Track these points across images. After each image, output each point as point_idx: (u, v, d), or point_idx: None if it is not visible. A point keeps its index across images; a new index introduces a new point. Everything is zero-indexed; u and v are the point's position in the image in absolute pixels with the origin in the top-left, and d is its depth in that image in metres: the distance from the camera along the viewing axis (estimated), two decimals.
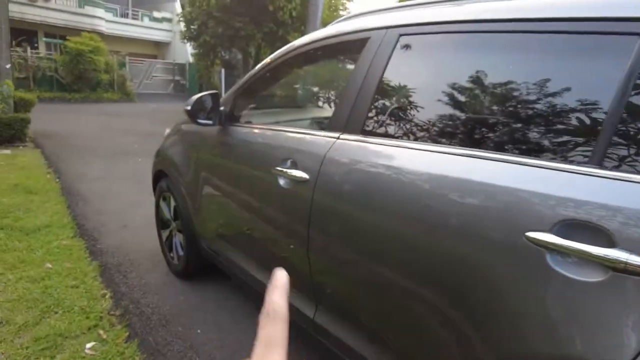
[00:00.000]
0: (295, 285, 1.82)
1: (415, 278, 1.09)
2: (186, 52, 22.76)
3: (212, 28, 9.86)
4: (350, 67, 1.48)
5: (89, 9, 20.34)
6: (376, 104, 1.31)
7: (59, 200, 4.31)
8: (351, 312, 1.34)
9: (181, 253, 2.55)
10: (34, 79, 15.93)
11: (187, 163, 2.25)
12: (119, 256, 3.06)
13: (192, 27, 10.70)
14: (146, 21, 23.75)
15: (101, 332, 2.23)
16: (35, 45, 19.01)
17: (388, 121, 1.30)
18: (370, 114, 1.31)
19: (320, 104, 1.71)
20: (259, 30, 9.84)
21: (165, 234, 2.78)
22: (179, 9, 23.43)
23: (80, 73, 16.26)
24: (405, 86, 1.29)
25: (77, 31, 17.72)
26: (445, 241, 1.00)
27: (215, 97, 1.96)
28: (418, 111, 1.23)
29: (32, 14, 18.26)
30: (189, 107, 1.91)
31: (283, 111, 1.99)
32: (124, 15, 23.47)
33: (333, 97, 1.60)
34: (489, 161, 0.97)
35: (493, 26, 1.08)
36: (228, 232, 2.03)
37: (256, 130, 1.82)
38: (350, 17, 1.62)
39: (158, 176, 2.75)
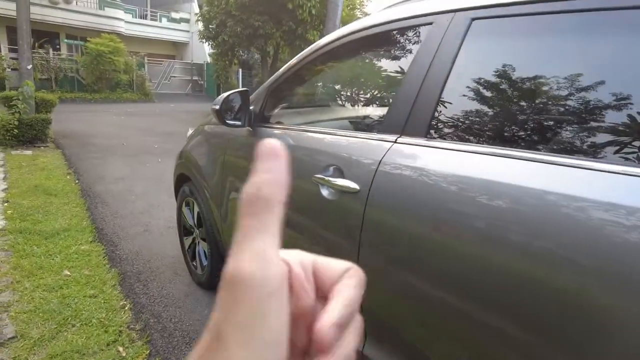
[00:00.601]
0: None
1: (501, 311, 0.88)
2: (204, 52, 22.80)
3: (230, 27, 9.74)
4: (406, 59, 1.27)
5: (109, 11, 20.53)
6: (445, 101, 1.10)
7: (78, 202, 4.21)
8: (412, 347, 1.13)
9: (205, 263, 2.37)
10: (56, 80, 16.12)
11: (213, 167, 2.08)
12: (139, 263, 2.92)
13: (210, 26, 10.61)
14: (164, 22, 23.89)
15: (120, 349, 2.08)
16: (57, 47, 19.29)
17: (461, 122, 1.08)
18: (437, 114, 1.10)
19: (366, 102, 1.50)
20: (277, 29, 9.67)
21: (187, 241, 2.61)
22: (196, 9, 23.51)
23: (100, 74, 16.38)
24: (483, 79, 1.07)
25: (97, 32, 17.89)
26: (546, 272, 0.79)
27: (245, 96, 1.78)
28: (500, 110, 1.02)
29: (54, 16, 18.51)
30: (217, 107, 1.73)
31: (322, 111, 1.78)
32: (143, 16, 23.66)
33: (384, 95, 1.40)
34: (615, 175, 0.75)
35: (603, 2, 0.86)
36: None
37: (291, 132, 1.63)
38: (401, 2, 1.41)
39: (180, 180, 2.59)
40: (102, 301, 2.50)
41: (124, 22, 21.25)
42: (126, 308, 2.42)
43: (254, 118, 1.80)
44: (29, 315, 2.34)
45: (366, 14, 16.82)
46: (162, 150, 7.20)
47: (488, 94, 1.05)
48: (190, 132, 2.71)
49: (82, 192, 4.58)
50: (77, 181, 5.02)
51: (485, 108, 1.05)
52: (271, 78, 1.82)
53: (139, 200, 4.34)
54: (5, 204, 4.01)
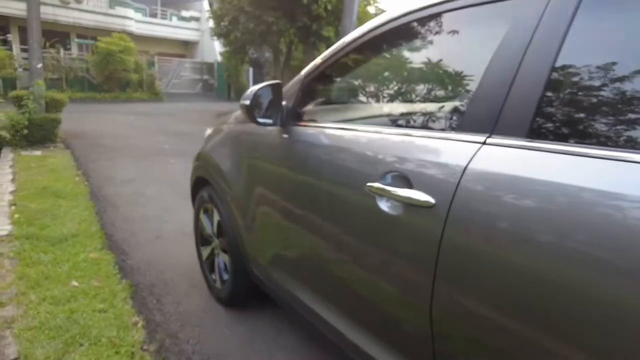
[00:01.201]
0: (403, 346, 1.23)
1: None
2: (214, 51, 22.66)
3: (243, 23, 9.52)
4: (489, 38, 1.01)
5: (119, 10, 20.48)
6: (554, 89, 0.85)
7: (87, 206, 4.01)
8: None
9: (226, 277, 2.14)
10: (66, 79, 16.08)
11: (237, 171, 1.84)
12: (152, 274, 2.69)
13: (222, 23, 10.41)
14: (174, 21, 23.80)
15: None
16: (68, 46, 19.27)
17: (579, 116, 0.83)
18: (543, 106, 0.84)
19: (429, 94, 1.24)
20: (292, 25, 9.43)
21: (205, 251, 2.38)
22: (207, 7, 23.38)
23: (110, 73, 16.31)
24: (609, 61, 0.81)
25: (107, 32, 17.82)
26: None
27: (277, 90, 1.54)
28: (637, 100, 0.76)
29: (65, 16, 18.49)
30: (247, 102, 1.49)
31: (367, 106, 1.52)
32: (153, 15, 23.59)
33: (456, 85, 1.14)
34: None
35: None
36: (293, 261, 1.59)
37: (332, 131, 1.38)
38: None
39: (198, 184, 2.36)
40: (113, 317, 2.28)
41: (134, 21, 21.19)
42: (139, 325, 2.20)
43: (286, 115, 1.56)
44: (34, 332, 2.12)
45: (381, 11, 16.51)
46: (174, 151, 7.00)
47: (619, 80, 0.79)
48: (208, 132, 2.48)
49: (92, 195, 4.38)
50: (86, 183, 4.83)
51: (614, 98, 0.79)
52: (306, 69, 1.57)
53: (150, 203, 4.13)
54: (13, 207, 3.82)
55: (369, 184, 1.11)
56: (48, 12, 16.14)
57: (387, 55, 1.41)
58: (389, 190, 1.05)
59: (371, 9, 17.65)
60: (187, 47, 25.56)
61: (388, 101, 1.32)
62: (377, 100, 1.39)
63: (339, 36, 9.98)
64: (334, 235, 1.29)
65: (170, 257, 2.93)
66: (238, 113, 2.29)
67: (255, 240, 1.77)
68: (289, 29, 9.37)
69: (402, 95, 1.29)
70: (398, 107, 1.32)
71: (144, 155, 6.55)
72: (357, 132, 1.28)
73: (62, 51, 16.43)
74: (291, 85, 1.62)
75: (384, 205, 1.07)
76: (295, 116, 1.58)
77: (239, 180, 1.81)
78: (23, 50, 15.45)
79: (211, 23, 22.30)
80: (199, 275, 2.57)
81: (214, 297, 2.34)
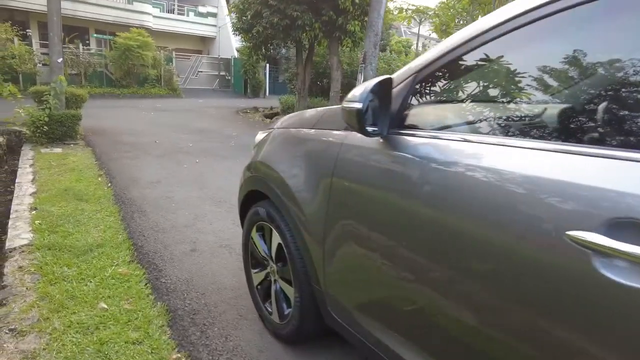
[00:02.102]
0: None
1: None
2: (231, 47, 22.40)
3: (266, 17, 9.14)
4: None
5: (137, 5, 20.30)
6: None
7: (111, 211, 3.69)
8: None
9: (287, 311, 1.77)
10: (85, 75, 15.94)
11: (312, 189, 1.46)
12: (192, 297, 2.34)
13: (244, 17, 10.06)
14: (192, 16, 23.59)
15: None
16: (87, 42, 19.17)
17: None
18: None
19: None
20: (317, 19, 9.03)
21: (258, 276, 2.01)
22: (224, 3, 23.10)
23: (128, 68, 16.13)
24: None
25: (125, 27, 17.66)
26: None
27: (386, 88, 1.16)
28: None
29: (84, 11, 18.37)
30: (359, 105, 1.10)
31: (550, 114, 1.05)
32: (170, 10, 23.41)
33: None
34: None
35: None
36: (401, 314, 1.20)
37: (492, 149, 0.98)
38: None
39: (250, 198, 2.00)
40: (149, 350, 1.94)
41: (151, 16, 21.02)
42: None
43: (393, 121, 1.17)
44: None
45: (402, 9, 16.01)
46: (198, 150, 6.69)
47: None
48: (260, 136, 2.11)
49: (116, 198, 4.07)
50: (109, 184, 4.52)
51: None
52: (421, 60, 1.17)
53: (180, 209, 3.79)
54: (33, 212, 3.52)
55: (573, 233, 0.73)
56: (67, 7, 16.01)
57: (564, 38, 0.97)
58: (623, 251, 0.66)
59: (391, 4, 17.14)
60: (204, 43, 25.36)
61: (584, 106, 0.91)
62: (562, 104, 0.98)
63: (364, 30, 9.55)
64: (485, 297, 0.90)
65: (210, 276, 2.58)
66: (294, 117, 1.92)
67: (337, 276, 1.39)
68: (314, 23, 8.96)
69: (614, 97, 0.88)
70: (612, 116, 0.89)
71: (167, 154, 6.24)
72: (537, 151, 0.88)
73: (80, 46, 16.30)
74: (400, 78, 1.23)
75: (607, 271, 0.68)
76: (400, 123, 1.20)
77: (316, 200, 1.44)
78: (42, 45, 15.35)
79: (229, 19, 22.10)
80: (247, 301, 2.21)
81: (269, 330, 1.97)
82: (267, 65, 22.07)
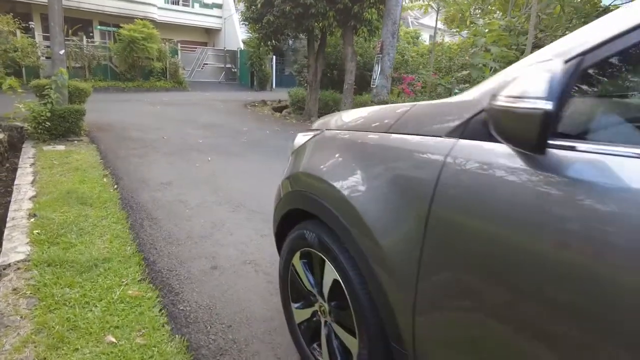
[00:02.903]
0: None
1: None
2: (237, 38, 21.93)
3: (278, 6, 8.69)
4: None
5: None
6: None
7: (118, 217, 3.33)
8: None
9: None
10: (89, 68, 15.55)
11: (393, 213, 1.07)
12: (217, 331, 1.96)
13: (253, 6, 9.60)
14: (196, 7, 23.10)
15: None
16: (91, 34, 18.77)
17: None
18: None
19: None
20: (331, 7, 8.56)
21: (301, 313, 1.63)
22: None
23: (133, 61, 15.72)
24: None
25: (130, 19, 17.21)
26: None
27: (572, 77, 0.75)
28: None
29: (88, 3, 17.95)
30: (546, 105, 0.70)
31: None
32: (175, 1, 22.92)
33: None
34: None
35: None
36: None
37: None
38: None
39: (290, 217, 1.61)
40: None
41: (156, 7, 20.56)
42: None
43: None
44: None
45: None
46: (209, 146, 6.30)
47: None
48: (301, 138, 1.71)
49: (123, 202, 3.70)
50: (115, 186, 4.15)
51: None
52: (589, 35, 0.77)
53: (195, 216, 3.41)
54: (32, 220, 3.15)
55: None
56: None
57: None
58: None
59: None
60: (209, 35, 24.88)
61: None
62: None
63: (380, 19, 9.07)
64: None
65: (236, 302, 2.20)
66: (351, 116, 1.53)
67: (437, 337, 1.00)
68: (328, 12, 8.50)
69: None
70: None
71: (177, 151, 5.86)
72: None
73: (84, 39, 15.90)
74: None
75: None
76: (559, 132, 0.80)
77: (401, 231, 1.04)
78: (45, 38, 14.96)
79: (234, 9, 21.56)
80: (284, 337, 1.84)
81: None
82: (274, 57, 21.60)
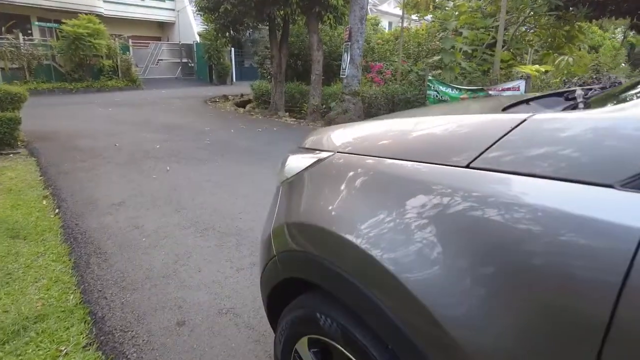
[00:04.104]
0: None
1: None
2: (192, 31, 20.84)
3: None
4: None
5: None
6: None
7: (59, 253, 2.71)
8: None
9: None
10: (29, 68, 14.18)
11: (500, 306, 0.60)
12: None
13: None
14: (147, 0, 21.72)
15: None
16: (29, 31, 17.19)
17: None
18: None
19: None
20: None
21: None
22: None
23: (80, 60, 14.46)
24: None
25: (73, 14, 15.83)
26: None
27: None
28: None
29: None
30: None
31: None
32: None
33: None
34: None
35: None
36: None
37: None
38: None
39: (284, 288, 1.10)
40: None
41: (102, 1, 19.13)
42: None
43: None
44: None
45: None
46: (168, 152, 5.62)
47: None
48: (294, 163, 1.18)
49: (65, 232, 3.06)
50: (56, 210, 3.47)
51: None
52: None
53: (154, 246, 2.81)
54: None
55: None
56: None
57: None
58: None
59: None
60: (162, 29, 23.55)
61: None
62: None
63: (347, 5, 8.56)
64: None
65: None
66: (377, 131, 1.03)
67: None
68: None
69: None
70: None
71: (131, 161, 5.16)
72: None
73: (21, 36, 14.46)
74: None
75: None
76: None
77: (494, 323, 0.57)
78: None
79: (187, 1, 20.39)
80: None
81: None
82: (233, 49, 20.68)
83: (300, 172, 1.10)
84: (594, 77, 6.42)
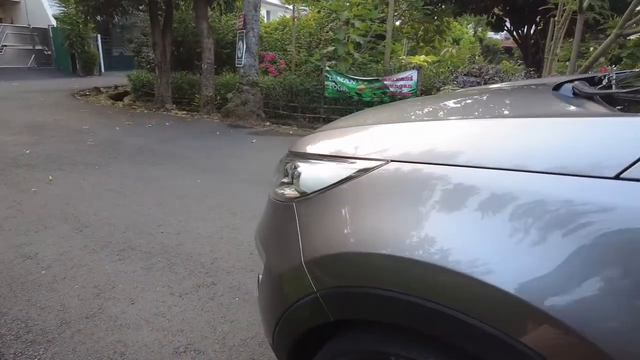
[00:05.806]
0: None
1: None
2: (45, 13, 17.92)
3: None
4: None
5: None
6: None
7: None
8: None
9: None
10: None
11: None
12: None
13: None
14: None
15: None
16: None
17: None
18: None
19: None
20: None
21: None
22: None
23: None
24: None
25: None
26: None
27: None
28: None
29: None
30: None
31: None
32: None
33: None
34: None
35: None
36: None
37: None
38: None
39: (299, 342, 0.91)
40: None
41: None
42: None
43: None
44: None
45: None
46: (43, 158, 4.67)
47: None
48: (316, 172, 0.95)
49: None
50: None
51: None
52: None
53: (61, 279, 2.23)
54: None
55: None
56: None
57: None
58: None
59: None
60: (4, 9, 19.77)
61: None
62: None
63: None
64: None
65: None
66: (452, 134, 0.88)
67: None
68: None
69: None
70: None
71: None
72: None
73: None
74: None
75: None
76: None
77: None
78: None
79: None
80: None
81: None
82: (99, 36, 18.35)
83: (335, 186, 0.89)
84: (475, 67, 7.13)
